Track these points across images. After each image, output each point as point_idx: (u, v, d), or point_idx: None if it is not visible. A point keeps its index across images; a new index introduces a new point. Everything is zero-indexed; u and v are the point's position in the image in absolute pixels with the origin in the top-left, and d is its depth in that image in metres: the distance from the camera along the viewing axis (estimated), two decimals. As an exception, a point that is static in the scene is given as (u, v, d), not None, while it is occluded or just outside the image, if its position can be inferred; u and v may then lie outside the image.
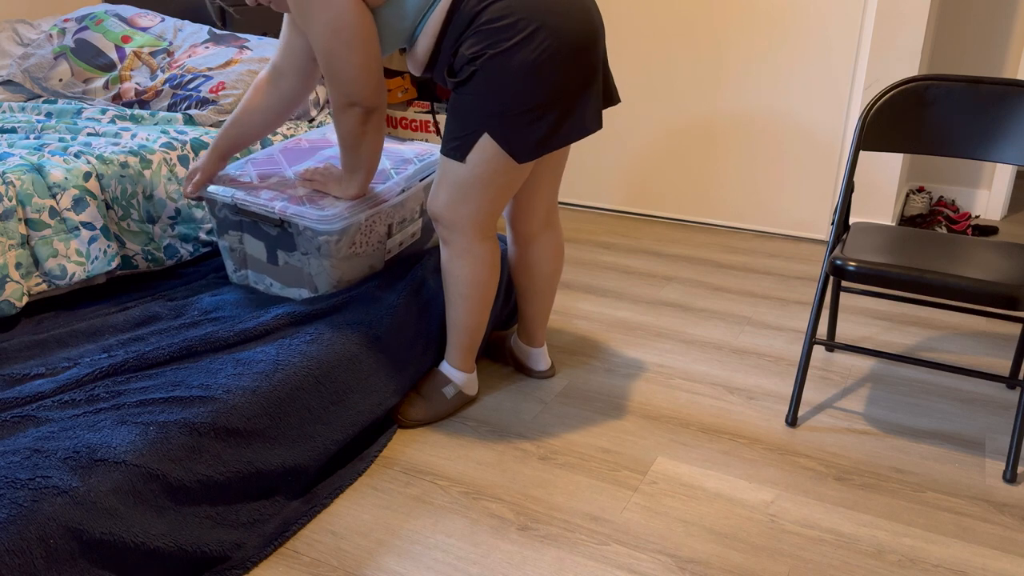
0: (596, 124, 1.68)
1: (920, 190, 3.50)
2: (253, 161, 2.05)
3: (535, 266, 1.92)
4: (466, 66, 1.56)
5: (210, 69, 2.58)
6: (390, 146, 2.17)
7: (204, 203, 2.11)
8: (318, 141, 2.18)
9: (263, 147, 2.41)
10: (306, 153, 2.09)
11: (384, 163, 2.03)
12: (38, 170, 1.84)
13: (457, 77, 1.59)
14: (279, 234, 1.83)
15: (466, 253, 1.73)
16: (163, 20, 2.88)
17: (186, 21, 2.89)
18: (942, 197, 3.55)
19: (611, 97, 1.75)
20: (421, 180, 2.00)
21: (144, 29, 2.84)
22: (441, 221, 1.72)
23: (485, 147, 1.60)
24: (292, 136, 2.53)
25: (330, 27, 1.53)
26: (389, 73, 3.70)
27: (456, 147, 1.63)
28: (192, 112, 2.45)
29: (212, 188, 1.90)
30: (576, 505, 1.61)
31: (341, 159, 1.75)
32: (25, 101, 2.70)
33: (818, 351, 2.27)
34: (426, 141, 3.72)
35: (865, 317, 2.50)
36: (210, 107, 2.46)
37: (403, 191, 1.92)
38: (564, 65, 1.56)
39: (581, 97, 1.62)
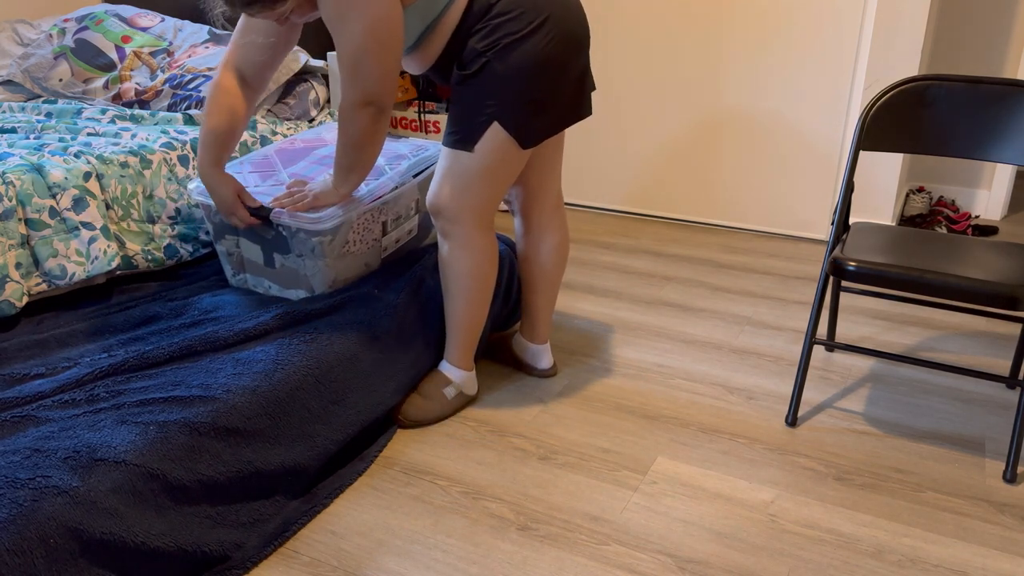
0: (589, 110, 1.79)
1: (920, 190, 3.50)
2: (250, 162, 2.05)
3: (544, 254, 1.96)
4: (477, 58, 1.60)
5: (210, 69, 2.58)
6: (386, 143, 2.16)
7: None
8: (312, 141, 2.18)
9: (261, 146, 2.41)
10: (300, 153, 2.09)
11: (378, 159, 2.02)
12: (38, 170, 1.84)
13: (467, 69, 1.62)
14: (274, 237, 1.83)
15: (468, 245, 1.75)
16: (163, 20, 2.88)
17: (186, 21, 2.89)
18: (942, 197, 3.55)
19: (592, 85, 1.82)
20: (415, 176, 2.00)
21: (144, 29, 2.84)
22: (443, 214, 1.73)
23: (494, 135, 1.65)
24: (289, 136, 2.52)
25: (370, 26, 1.51)
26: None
27: (463, 138, 1.67)
28: (192, 112, 2.45)
29: (206, 195, 1.88)
30: (576, 505, 1.61)
31: (340, 158, 1.69)
32: (25, 101, 2.70)
33: (818, 351, 2.27)
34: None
35: (865, 317, 2.50)
36: (210, 107, 2.46)
37: (396, 187, 1.92)
38: (568, 54, 1.64)
39: (579, 85, 1.71)
